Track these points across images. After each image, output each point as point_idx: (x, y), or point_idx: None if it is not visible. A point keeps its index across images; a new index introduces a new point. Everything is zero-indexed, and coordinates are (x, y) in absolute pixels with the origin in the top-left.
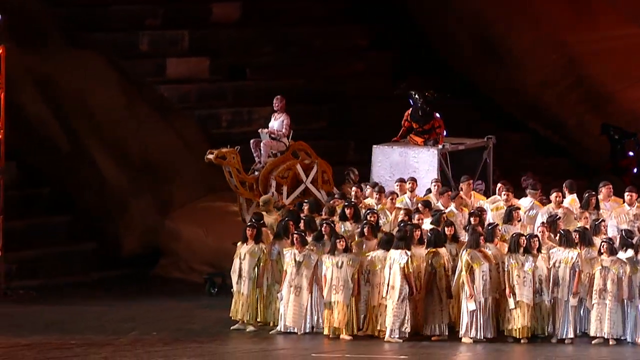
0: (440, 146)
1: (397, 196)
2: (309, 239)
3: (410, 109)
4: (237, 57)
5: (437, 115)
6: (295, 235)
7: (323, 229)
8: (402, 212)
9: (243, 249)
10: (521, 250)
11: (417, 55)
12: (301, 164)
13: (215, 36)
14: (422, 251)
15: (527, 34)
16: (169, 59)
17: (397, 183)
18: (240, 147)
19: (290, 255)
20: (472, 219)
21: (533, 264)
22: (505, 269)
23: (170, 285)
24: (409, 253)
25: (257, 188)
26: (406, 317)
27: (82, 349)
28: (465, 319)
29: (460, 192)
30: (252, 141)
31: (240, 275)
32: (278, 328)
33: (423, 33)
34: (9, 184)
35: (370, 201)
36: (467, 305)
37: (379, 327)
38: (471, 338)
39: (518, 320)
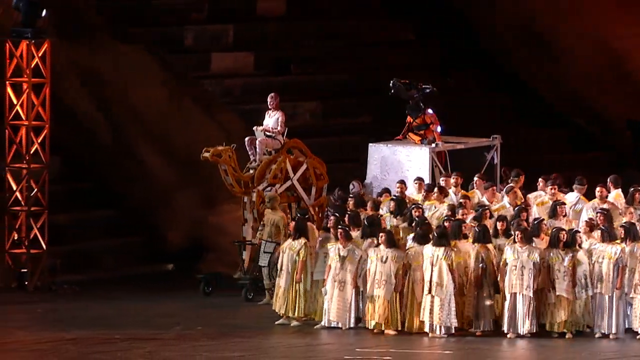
0: (433, 145)
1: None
2: (354, 234)
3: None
4: (281, 51)
5: (430, 111)
6: (339, 230)
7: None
8: (445, 207)
9: (286, 243)
10: (561, 245)
11: (462, 49)
12: (293, 161)
13: (260, 30)
14: (467, 246)
15: (572, 28)
16: (213, 54)
17: (442, 178)
18: (236, 145)
19: (334, 250)
20: (521, 214)
21: (574, 259)
22: (546, 264)
23: (215, 279)
24: (454, 249)
25: (252, 186)
26: (452, 313)
27: (127, 343)
28: (509, 314)
29: (515, 186)
30: (247, 139)
31: (281, 269)
32: (322, 323)
33: (468, 26)
34: (54, 178)
35: (416, 196)
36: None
37: (424, 323)
38: (515, 333)
39: (558, 315)
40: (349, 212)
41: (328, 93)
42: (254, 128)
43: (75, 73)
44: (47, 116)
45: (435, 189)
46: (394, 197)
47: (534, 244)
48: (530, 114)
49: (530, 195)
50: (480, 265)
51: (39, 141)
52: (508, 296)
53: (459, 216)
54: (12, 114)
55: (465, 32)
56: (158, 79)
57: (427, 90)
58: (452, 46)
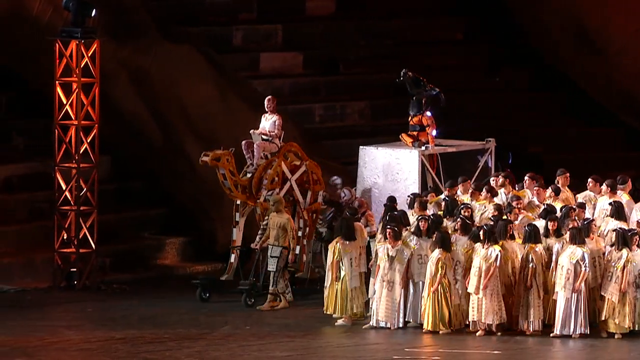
0: (422, 147)
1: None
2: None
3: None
4: (330, 51)
5: (428, 113)
6: (388, 230)
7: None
8: (492, 206)
9: (331, 243)
10: (616, 245)
11: (511, 48)
12: (290, 166)
13: (309, 30)
14: (514, 246)
15: (623, 27)
16: (262, 54)
17: (492, 178)
18: (234, 149)
19: (383, 250)
20: (570, 213)
21: (626, 260)
22: (596, 263)
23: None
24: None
25: (249, 190)
26: (497, 312)
27: (176, 342)
28: (558, 314)
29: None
30: (243, 142)
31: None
32: (370, 323)
33: (518, 25)
34: (103, 177)
35: (463, 196)
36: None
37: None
38: (564, 333)
39: (602, 314)
40: (396, 212)
41: (377, 93)
42: (251, 131)
43: (124, 72)
44: (97, 116)
45: (484, 189)
46: (445, 198)
47: (583, 244)
48: (580, 113)
49: (579, 195)
50: (530, 265)
51: (88, 141)
52: (557, 296)
53: (511, 216)
54: (62, 113)
55: (514, 32)
56: (207, 78)
57: (434, 93)
58: (501, 45)
